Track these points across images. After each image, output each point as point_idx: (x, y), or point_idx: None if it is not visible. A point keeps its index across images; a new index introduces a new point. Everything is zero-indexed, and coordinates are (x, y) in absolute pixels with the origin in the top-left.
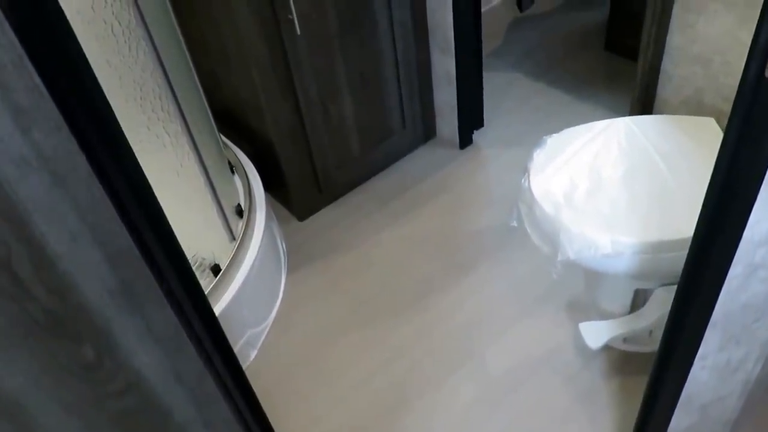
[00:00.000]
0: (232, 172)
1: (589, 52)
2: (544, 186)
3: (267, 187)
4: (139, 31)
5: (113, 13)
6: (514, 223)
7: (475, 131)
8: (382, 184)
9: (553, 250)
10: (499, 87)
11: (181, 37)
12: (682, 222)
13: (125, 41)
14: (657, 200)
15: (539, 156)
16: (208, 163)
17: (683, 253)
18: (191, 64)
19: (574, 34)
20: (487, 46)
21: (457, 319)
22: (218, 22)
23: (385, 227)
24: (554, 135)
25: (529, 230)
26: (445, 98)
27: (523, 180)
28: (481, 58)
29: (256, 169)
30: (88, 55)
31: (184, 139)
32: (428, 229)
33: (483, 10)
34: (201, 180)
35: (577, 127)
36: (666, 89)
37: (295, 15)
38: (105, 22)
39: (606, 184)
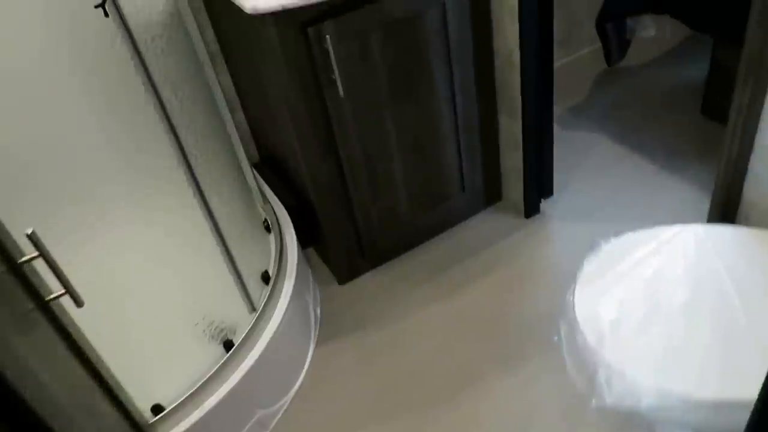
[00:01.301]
0: (268, 230)
1: (683, 115)
2: (590, 306)
3: (310, 242)
4: (147, 95)
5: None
6: (556, 338)
7: (543, 200)
8: (434, 250)
9: (589, 388)
10: (577, 148)
11: (218, 92)
12: (750, 377)
13: (127, 102)
14: (721, 343)
15: (590, 264)
16: (227, 227)
17: (746, 416)
18: (225, 118)
19: (668, 93)
20: (568, 99)
21: (491, 426)
22: (259, 73)
23: (431, 302)
24: (612, 240)
25: (566, 356)
26: (511, 162)
27: (568, 293)
28: (552, 121)
29: (297, 226)
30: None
31: (194, 202)
32: (478, 308)
33: (567, 60)
34: (215, 247)
35: (639, 233)
36: (753, 192)
37: (338, 75)
38: (105, 80)
39: (663, 313)
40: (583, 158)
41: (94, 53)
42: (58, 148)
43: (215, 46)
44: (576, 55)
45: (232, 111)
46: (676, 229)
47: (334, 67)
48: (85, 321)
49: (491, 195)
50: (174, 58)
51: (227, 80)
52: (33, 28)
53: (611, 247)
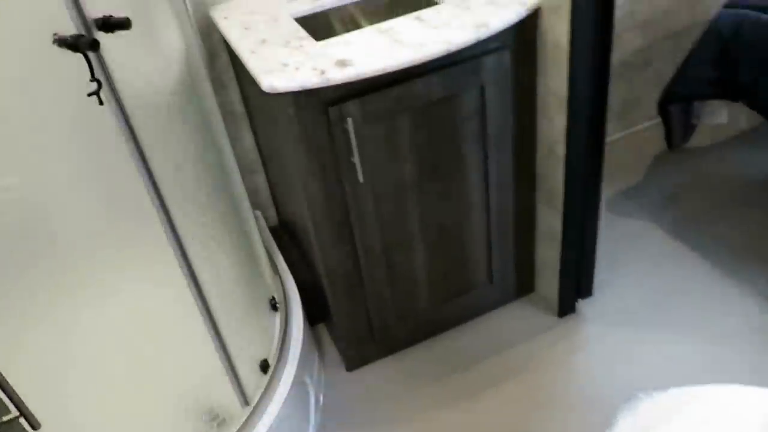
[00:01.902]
0: (275, 308)
1: (754, 210)
2: None
3: (320, 317)
4: (136, 162)
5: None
6: None
7: (580, 299)
8: (453, 343)
9: None
10: (625, 238)
11: (230, 157)
12: None
13: (112, 166)
14: None
15: (625, 423)
16: (223, 306)
17: None
18: (236, 183)
19: (736, 182)
20: (620, 180)
21: None
22: (279, 145)
23: (442, 407)
24: (654, 394)
25: None
26: (547, 255)
27: None
28: (597, 218)
29: (307, 302)
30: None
31: (183, 283)
32: (494, 422)
33: (622, 134)
34: (207, 331)
35: (689, 391)
36: None
37: (358, 160)
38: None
39: None
40: (631, 252)
41: (80, 119)
42: (35, 212)
43: (240, 107)
44: (632, 129)
45: (251, 172)
46: (739, 392)
47: (355, 151)
48: (61, 404)
49: (522, 286)
50: (176, 128)
51: (249, 140)
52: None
53: (652, 406)
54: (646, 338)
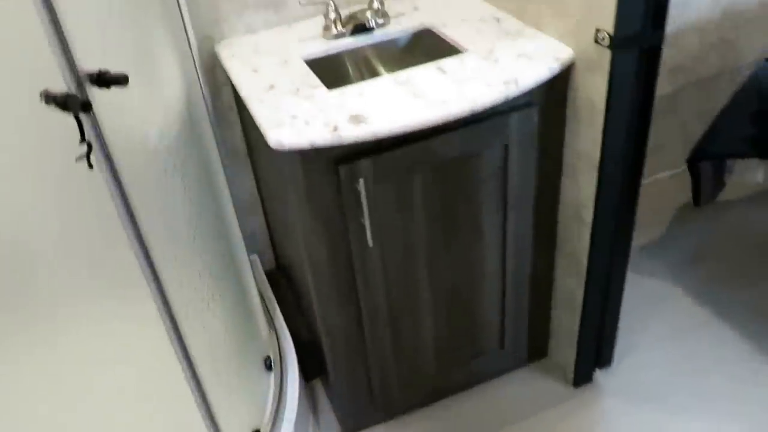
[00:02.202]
0: (269, 367)
1: None
2: None
3: (317, 372)
4: (125, 223)
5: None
6: None
7: (598, 369)
8: (458, 409)
9: None
10: (646, 302)
11: (228, 204)
12: None
13: (93, 212)
14: None
15: None
16: (213, 369)
17: None
18: (232, 232)
19: (766, 241)
20: (640, 234)
21: None
22: (281, 195)
23: None
24: None
25: None
26: (564, 322)
27: None
28: (623, 286)
29: (303, 356)
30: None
31: (168, 344)
32: None
33: (643, 183)
34: (192, 400)
35: None
36: None
37: (368, 222)
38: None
39: None
40: (654, 316)
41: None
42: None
43: (242, 145)
44: (655, 177)
45: (249, 214)
46: None
47: (365, 212)
48: None
49: (534, 351)
50: (172, 185)
51: (250, 180)
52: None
53: None
54: (670, 415)
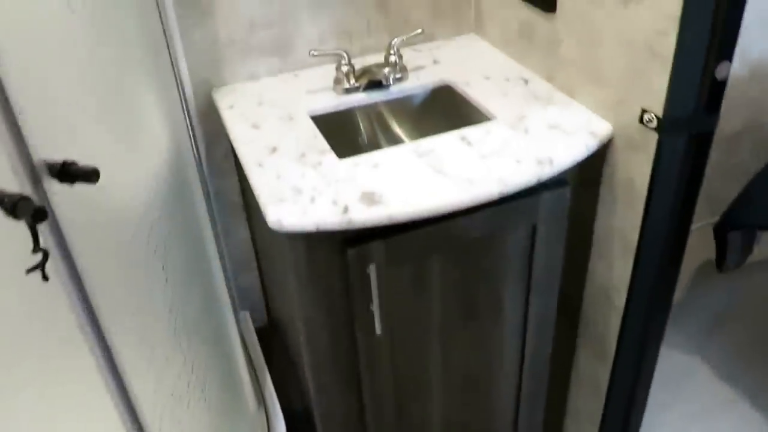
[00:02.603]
0: None
1: None
2: None
3: None
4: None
5: None
6: None
7: None
8: None
9: None
10: (668, 375)
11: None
12: None
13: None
14: None
15: None
16: None
17: None
18: (226, 322)
19: None
20: None
21: None
22: (278, 268)
23: None
24: None
25: None
26: (583, 404)
27: None
28: (653, 371)
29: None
30: None
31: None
32: None
33: None
34: None
35: None
36: None
37: (377, 309)
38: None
39: None
40: (675, 395)
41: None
42: None
43: (238, 198)
44: None
45: (242, 269)
46: None
47: (375, 299)
48: None
49: (549, 431)
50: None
51: (245, 233)
52: None
53: None
54: None
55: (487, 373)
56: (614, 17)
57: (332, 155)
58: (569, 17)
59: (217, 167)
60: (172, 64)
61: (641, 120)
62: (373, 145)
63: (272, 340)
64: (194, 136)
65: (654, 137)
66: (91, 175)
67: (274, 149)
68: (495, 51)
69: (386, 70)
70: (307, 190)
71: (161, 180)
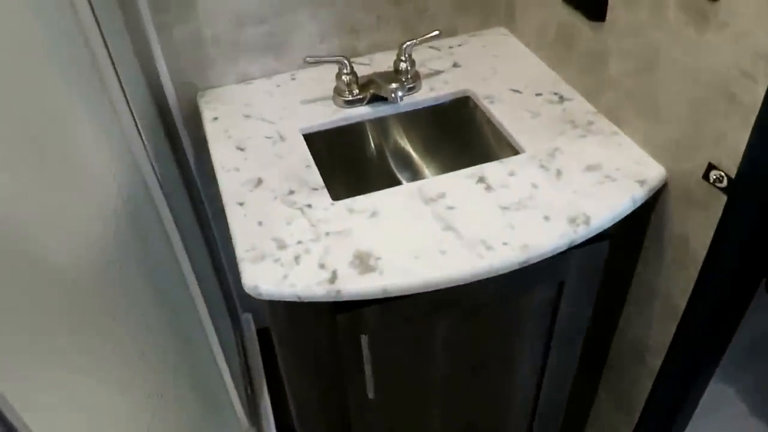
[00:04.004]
0: None
1: None
2: None
3: None
4: None
5: None
6: None
7: None
8: None
9: None
10: (702, 404)
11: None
12: None
13: None
14: None
15: None
16: None
17: None
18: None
19: None
20: None
21: None
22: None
23: None
24: None
25: None
26: None
27: None
28: (685, 427)
29: None
30: None
31: None
32: None
33: None
34: None
35: None
36: None
37: (370, 375)
38: None
39: None
40: (707, 428)
41: None
42: None
43: None
44: None
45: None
46: None
47: (367, 367)
48: None
49: None
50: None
51: None
52: None
53: None
54: None
55: (494, 423)
56: (681, 43)
57: (325, 195)
58: (621, 32)
59: (210, 173)
60: (141, 67)
61: (706, 176)
62: (376, 170)
63: (272, 340)
64: (181, 144)
65: (721, 198)
66: None
67: (258, 182)
68: (527, 52)
69: (393, 86)
70: (292, 245)
71: (111, 217)
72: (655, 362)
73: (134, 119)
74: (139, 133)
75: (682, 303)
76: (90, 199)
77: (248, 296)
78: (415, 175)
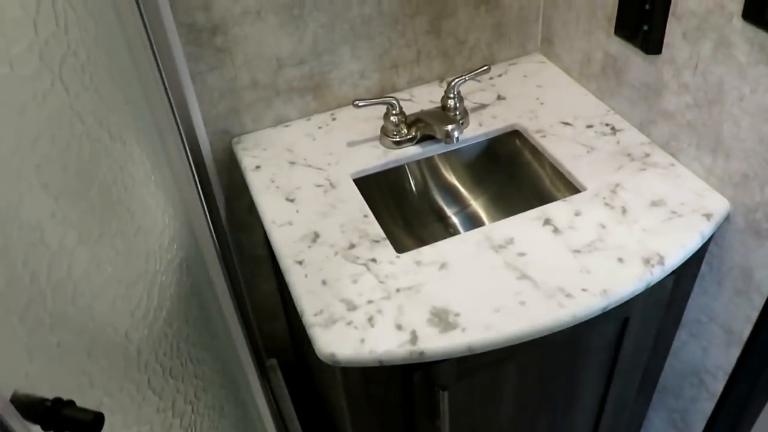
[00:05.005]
0: None
1: None
2: None
3: None
4: None
5: None
6: None
7: None
8: None
9: None
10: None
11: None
12: None
13: None
14: None
15: None
16: None
17: None
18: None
19: None
20: None
21: None
22: (321, 375)
23: None
24: None
25: None
26: None
27: None
28: None
29: None
30: None
31: None
32: None
33: None
34: None
35: None
36: None
37: (445, 424)
38: None
39: None
40: None
41: None
42: None
43: (263, 250)
44: None
45: (269, 319)
46: None
47: (443, 416)
48: None
49: None
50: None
51: (270, 285)
52: None
53: None
54: None
55: None
56: (749, 80)
57: (388, 247)
58: (680, 66)
59: (239, 222)
60: (174, 115)
61: None
62: (425, 208)
63: (299, 381)
64: (211, 190)
65: None
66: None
67: (315, 237)
68: (570, 81)
69: (450, 127)
70: (363, 305)
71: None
72: (717, 386)
73: (191, 167)
74: (195, 184)
75: (745, 330)
76: (149, 243)
77: (273, 341)
78: (464, 210)
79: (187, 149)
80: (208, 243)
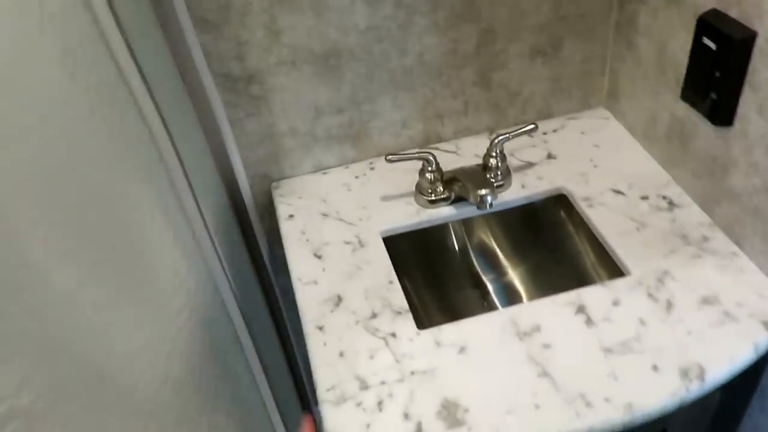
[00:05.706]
0: None
1: None
2: None
3: None
4: None
5: None
6: None
7: None
8: None
9: None
10: None
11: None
12: None
13: None
14: None
15: None
16: None
17: None
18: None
19: None
20: None
21: None
22: None
23: None
24: None
25: None
26: None
27: None
28: None
29: None
30: None
31: None
32: None
33: None
34: None
35: None
36: None
37: None
38: None
39: None
40: None
41: None
42: None
43: None
44: None
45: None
46: None
47: None
48: None
49: None
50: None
51: None
52: None
53: None
54: None
55: None
56: None
57: (409, 320)
58: (752, 142)
59: (283, 265)
60: (215, 161)
61: None
62: (459, 272)
63: None
64: (254, 233)
65: None
66: None
67: (338, 301)
68: (632, 141)
69: (483, 192)
70: (375, 386)
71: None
72: None
73: (205, 223)
74: (211, 238)
75: None
76: (160, 306)
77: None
78: (501, 278)
79: (225, 195)
80: (231, 301)
